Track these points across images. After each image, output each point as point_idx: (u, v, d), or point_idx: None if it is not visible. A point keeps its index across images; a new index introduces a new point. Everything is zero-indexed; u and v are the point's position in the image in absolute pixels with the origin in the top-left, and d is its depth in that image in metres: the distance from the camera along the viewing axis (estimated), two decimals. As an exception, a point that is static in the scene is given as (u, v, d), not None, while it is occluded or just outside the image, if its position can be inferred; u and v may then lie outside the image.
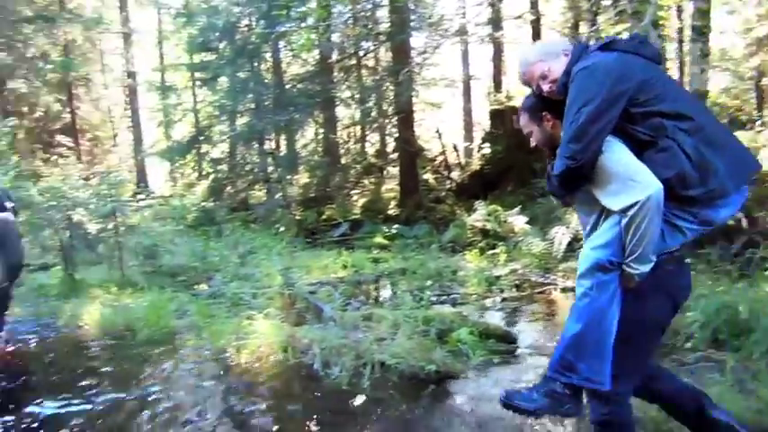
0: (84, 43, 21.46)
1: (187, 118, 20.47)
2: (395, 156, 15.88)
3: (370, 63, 16.96)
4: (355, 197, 15.70)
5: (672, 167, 2.09)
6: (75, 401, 3.95)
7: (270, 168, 15.48)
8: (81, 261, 8.43)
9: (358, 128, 17.98)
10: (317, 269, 8.18)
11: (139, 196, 14.12)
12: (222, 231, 11.36)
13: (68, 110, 21.01)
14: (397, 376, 3.97)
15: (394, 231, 11.04)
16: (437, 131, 16.30)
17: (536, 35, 14.24)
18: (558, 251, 8.25)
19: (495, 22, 13.95)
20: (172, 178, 20.64)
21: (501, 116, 13.82)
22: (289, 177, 15.35)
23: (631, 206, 2.05)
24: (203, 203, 15.06)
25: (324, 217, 13.82)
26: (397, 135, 15.18)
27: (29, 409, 3.85)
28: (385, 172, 16.77)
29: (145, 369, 4.65)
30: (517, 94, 14.87)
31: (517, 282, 7.31)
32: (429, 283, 7.10)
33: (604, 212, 2.23)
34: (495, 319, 5.83)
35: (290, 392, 3.98)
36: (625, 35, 9.57)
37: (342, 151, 17.28)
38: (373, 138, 17.98)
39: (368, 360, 4.19)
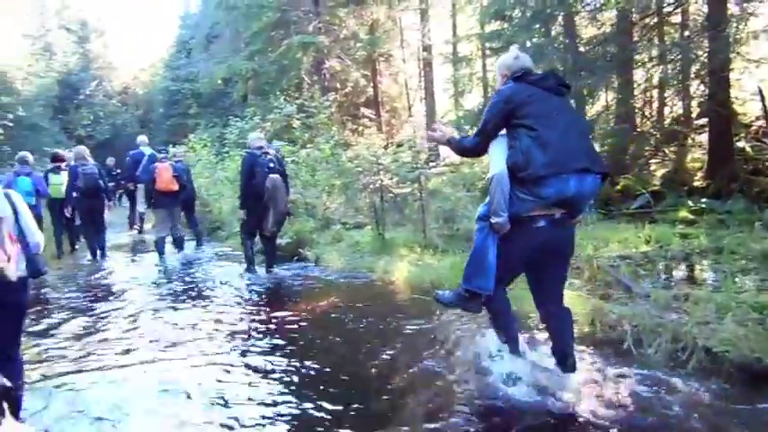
0: (387, 21, 23.21)
1: (477, 88, 20.94)
2: (701, 121, 14.15)
3: (675, 19, 15.25)
4: (653, 167, 14.44)
5: (511, 158, 3.21)
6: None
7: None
8: (389, 222, 9.25)
9: (655, 92, 16.42)
10: (616, 242, 7.75)
11: (431, 164, 14.83)
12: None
13: (372, 84, 23.09)
14: (727, 365, 3.57)
15: (702, 205, 9.91)
16: (759, 92, 14.05)
17: None
18: None
19: None
20: (460, 147, 21.32)
21: None
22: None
23: (490, 178, 3.25)
24: (491, 171, 15.31)
25: (618, 187, 13.03)
26: (705, 98, 13.47)
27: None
28: (689, 140, 15.05)
29: (454, 323, 4.96)
30: None
31: None
32: (753, 265, 6.23)
33: None
34: None
35: (599, 367, 3.84)
36: None
37: (638, 118, 15.95)
38: (672, 102, 16.25)
39: (688, 343, 3.85)
